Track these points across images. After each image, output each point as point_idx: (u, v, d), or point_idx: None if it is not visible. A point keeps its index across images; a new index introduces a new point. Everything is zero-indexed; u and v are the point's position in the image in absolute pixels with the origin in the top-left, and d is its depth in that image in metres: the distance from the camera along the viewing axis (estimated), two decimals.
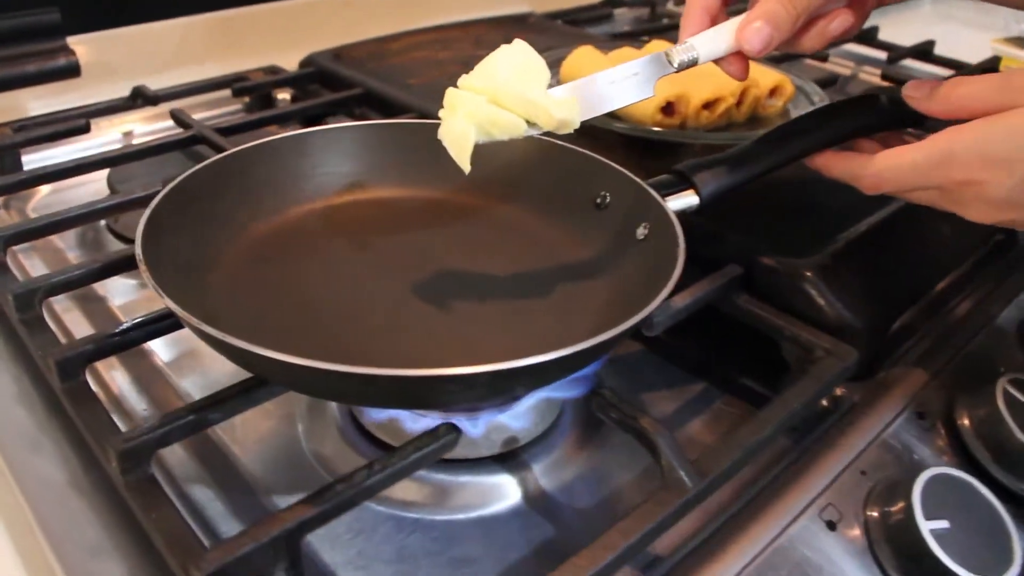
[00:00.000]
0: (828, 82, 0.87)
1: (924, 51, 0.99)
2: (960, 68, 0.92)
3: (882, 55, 1.00)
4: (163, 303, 0.36)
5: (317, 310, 0.46)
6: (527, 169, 0.55)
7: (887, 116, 0.49)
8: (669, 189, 0.49)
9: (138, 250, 0.39)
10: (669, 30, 1.04)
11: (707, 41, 0.46)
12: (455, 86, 0.42)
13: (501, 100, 0.42)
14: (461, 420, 0.42)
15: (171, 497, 0.37)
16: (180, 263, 0.43)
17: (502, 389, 0.39)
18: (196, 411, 0.38)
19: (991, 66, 0.93)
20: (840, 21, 0.45)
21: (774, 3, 0.43)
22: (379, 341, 0.43)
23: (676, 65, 0.45)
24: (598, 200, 0.52)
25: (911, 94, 0.43)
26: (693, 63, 0.45)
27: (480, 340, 0.44)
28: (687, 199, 0.48)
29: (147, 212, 0.42)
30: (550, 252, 0.51)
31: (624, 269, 0.47)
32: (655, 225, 0.47)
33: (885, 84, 0.92)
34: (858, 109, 0.50)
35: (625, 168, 0.51)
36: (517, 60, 0.43)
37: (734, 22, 0.45)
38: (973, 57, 0.99)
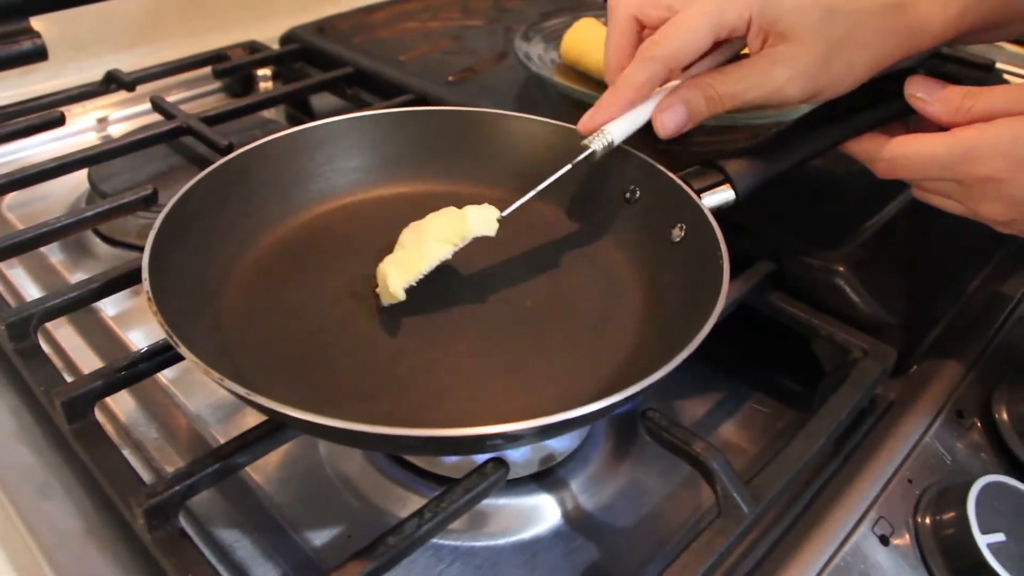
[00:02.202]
0: None
1: None
2: None
3: None
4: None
5: (336, 340, 0.42)
6: (549, 160, 0.52)
7: None
8: (703, 183, 0.46)
9: (147, 286, 0.36)
10: None
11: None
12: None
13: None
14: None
15: (200, 547, 0.35)
16: (189, 289, 0.40)
17: (547, 436, 0.38)
18: (223, 458, 0.35)
19: None
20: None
21: (696, 94, 0.43)
22: (408, 381, 0.40)
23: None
24: (627, 195, 0.49)
25: (916, 94, 0.43)
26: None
27: (518, 377, 0.41)
28: (722, 194, 0.46)
29: (150, 242, 0.38)
30: (583, 256, 0.49)
31: (662, 277, 0.45)
32: (691, 227, 0.45)
33: None
34: (896, 88, 0.48)
35: (636, 150, 0.49)
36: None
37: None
38: None
